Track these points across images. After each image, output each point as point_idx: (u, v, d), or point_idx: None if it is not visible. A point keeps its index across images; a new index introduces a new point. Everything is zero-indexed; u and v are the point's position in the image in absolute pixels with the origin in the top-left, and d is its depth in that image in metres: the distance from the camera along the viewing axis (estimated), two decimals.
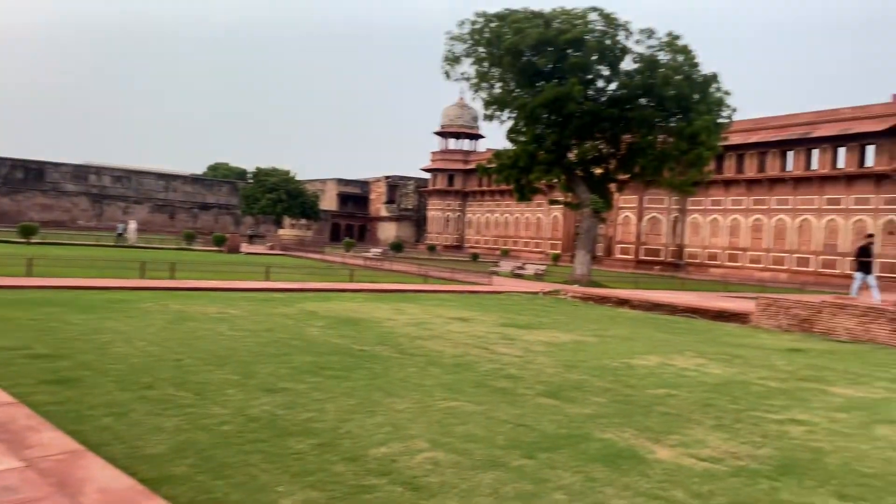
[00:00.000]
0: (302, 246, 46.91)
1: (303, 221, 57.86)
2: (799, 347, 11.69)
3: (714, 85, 27.10)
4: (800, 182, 44.29)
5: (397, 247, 53.92)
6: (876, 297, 15.27)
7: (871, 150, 41.38)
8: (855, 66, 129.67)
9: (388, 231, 79.24)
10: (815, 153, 43.94)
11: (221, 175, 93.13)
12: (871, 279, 15.93)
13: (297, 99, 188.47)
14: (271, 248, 46.80)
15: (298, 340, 9.28)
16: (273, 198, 59.91)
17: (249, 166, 71.40)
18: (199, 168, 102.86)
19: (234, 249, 39.84)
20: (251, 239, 57.05)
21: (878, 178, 40.36)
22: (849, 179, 41.83)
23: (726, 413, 6.39)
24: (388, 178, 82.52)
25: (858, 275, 16.10)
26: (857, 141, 41.64)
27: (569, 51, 26.40)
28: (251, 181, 65.87)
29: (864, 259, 16.01)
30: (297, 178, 65.24)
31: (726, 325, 15.18)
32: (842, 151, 42.70)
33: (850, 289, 16.45)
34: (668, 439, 5.35)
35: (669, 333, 12.85)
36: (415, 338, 10.01)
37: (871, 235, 19.89)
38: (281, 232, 54.84)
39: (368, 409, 5.75)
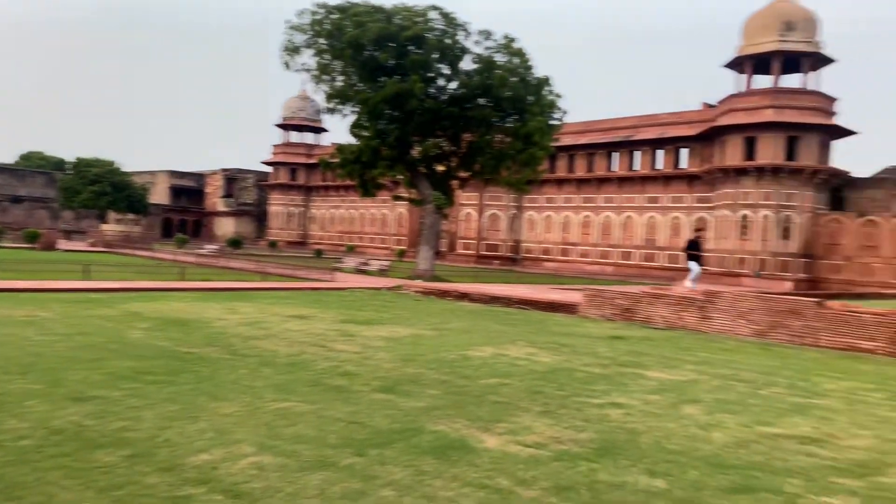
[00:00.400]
0: (128, 242, 43.76)
1: (130, 216, 53.97)
2: (620, 335, 12.53)
3: (546, 88, 28.44)
4: (624, 181, 47.73)
5: (235, 243, 51.85)
6: (689, 285, 16.65)
7: (685, 153, 45.49)
8: (671, 74, 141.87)
9: (226, 226, 75.95)
10: (638, 155, 47.58)
11: (35, 165, 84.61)
12: (694, 270, 17.26)
13: (123, 85, 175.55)
14: (93, 244, 43.31)
15: (117, 344, 8.59)
16: (96, 190, 55.48)
17: (69, 156, 65.61)
18: (8, 157, 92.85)
19: (50, 246, 36.42)
20: (70, 235, 52.38)
21: (691, 179, 44.43)
22: (666, 179, 45.69)
23: (553, 399, 6.68)
24: (225, 170, 79.09)
25: (694, 265, 17.32)
26: (673, 144, 45.61)
27: (410, 47, 26.59)
28: (71, 172, 60.47)
29: (693, 252, 17.35)
30: (124, 169, 60.85)
31: (557, 316, 15.98)
32: (660, 154, 46.58)
33: (687, 280, 17.54)
34: (497, 428, 5.49)
35: (505, 325, 13.30)
36: (248, 338, 9.60)
37: (699, 230, 21.51)
38: (105, 227, 50.81)
39: (191, 415, 5.41)
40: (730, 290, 16.74)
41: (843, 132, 40.13)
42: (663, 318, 14.77)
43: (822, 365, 10.16)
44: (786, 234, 39.24)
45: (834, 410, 6.84)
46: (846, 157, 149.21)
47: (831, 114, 39.95)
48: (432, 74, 27.74)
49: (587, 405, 6.52)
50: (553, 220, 51.73)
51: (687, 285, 16.65)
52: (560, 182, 50.89)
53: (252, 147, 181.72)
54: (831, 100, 39.97)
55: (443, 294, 19.66)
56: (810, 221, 39.49)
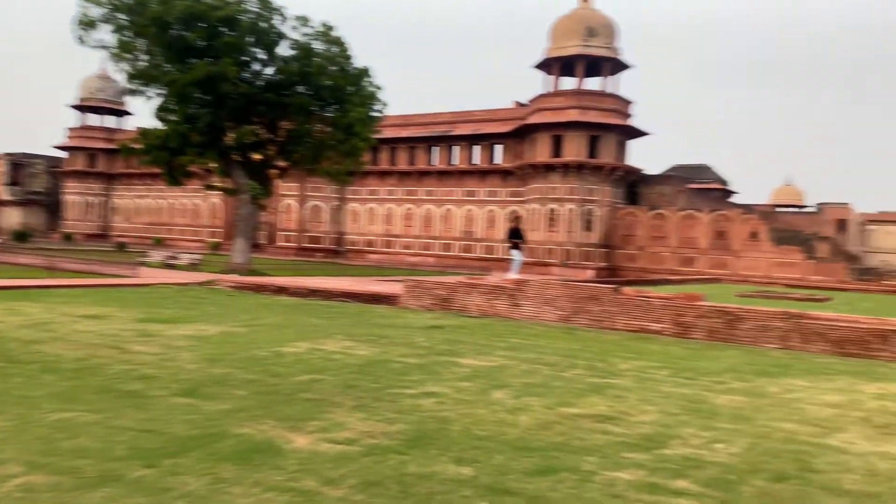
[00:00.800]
0: None
1: None
2: (438, 324, 12.75)
3: (366, 79, 28.33)
4: (443, 175, 48.95)
5: (22, 236, 46.61)
6: (510, 274, 17.29)
7: (499, 149, 47.53)
8: (486, 72, 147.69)
9: (11, 217, 67.95)
10: (456, 150, 49.00)
11: None
12: (516, 259, 17.85)
13: None
14: None
15: None
16: None
17: None
18: None
19: None
20: None
21: (505, 174, 46.53)
22: (482, 174, 47.49)
23: (367, 393, 6.59)
24: (9, 155, 70.60)
25: (516, 254, 17.88)
26: (488, 140, 47.48)
27: (222, 29, 25.26)
28: None
29: (515, 241, 17.94)
30: None
31: (377, 308, 15.96)
32: (477, 149, 48.31)
33: (511, 268, 17.96)
34: (307, 426, 5.29)
35: (323, 318, 13.04)
36: (29, 342, 8.55)
37: (517, 219, 22.30)
38: None
39: None
40: (538, 278, 17.67)
41: (638, 133, 44.07)
42: (478, 307, 15.27)
43: (618, 346, 11.00)
44: (588, 226, 42.39)
45: (626, 389, 7.39)
46: (640, 156, 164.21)
47: (628, 115, 43.68)
48: (247, 58, 26.61)
49: (401, 396, 6.50)
50: (376, 212, 51.89)
51: (511, 276, 17.13)
52: (382, 174, 51.13)
53: (42, 129, 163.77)
54: (628, 102, 43.69)
55: (259, 288, 18.92)
56: (609, 214, 42.95)
